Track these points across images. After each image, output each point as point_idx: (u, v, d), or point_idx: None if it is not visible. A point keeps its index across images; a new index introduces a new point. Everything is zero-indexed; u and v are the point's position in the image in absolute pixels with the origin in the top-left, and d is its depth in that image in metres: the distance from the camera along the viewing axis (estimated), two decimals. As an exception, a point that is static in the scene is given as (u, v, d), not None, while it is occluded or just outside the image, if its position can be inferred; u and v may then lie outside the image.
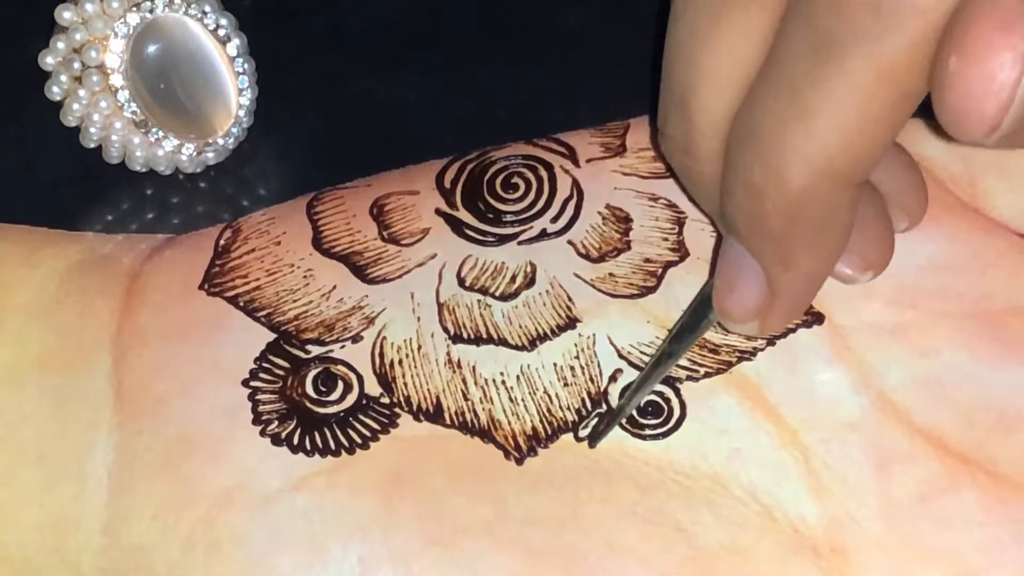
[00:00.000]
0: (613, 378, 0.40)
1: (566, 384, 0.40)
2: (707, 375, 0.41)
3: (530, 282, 0.42)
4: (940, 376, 0.40)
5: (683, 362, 0.41)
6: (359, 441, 0.39)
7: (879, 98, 0.32)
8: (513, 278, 0.42)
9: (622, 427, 0.40)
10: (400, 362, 0.41)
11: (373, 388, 0.40)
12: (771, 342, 0.41)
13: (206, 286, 0.42)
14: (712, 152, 0.37)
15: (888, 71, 0.32)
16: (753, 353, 0.41)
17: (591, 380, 0.40)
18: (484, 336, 0.41)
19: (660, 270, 0.42)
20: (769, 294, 0.37)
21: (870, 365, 0.41)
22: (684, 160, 0.38)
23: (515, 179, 0.44)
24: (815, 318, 0.41)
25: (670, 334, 0.41)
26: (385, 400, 0.40)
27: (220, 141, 0.46)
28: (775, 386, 0.40)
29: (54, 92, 0.45)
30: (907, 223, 0.42)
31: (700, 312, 0.40)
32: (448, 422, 0.40)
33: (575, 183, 0.44)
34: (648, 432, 0.40)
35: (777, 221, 0.35)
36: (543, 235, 0.43)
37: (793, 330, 0.41)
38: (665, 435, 0.40)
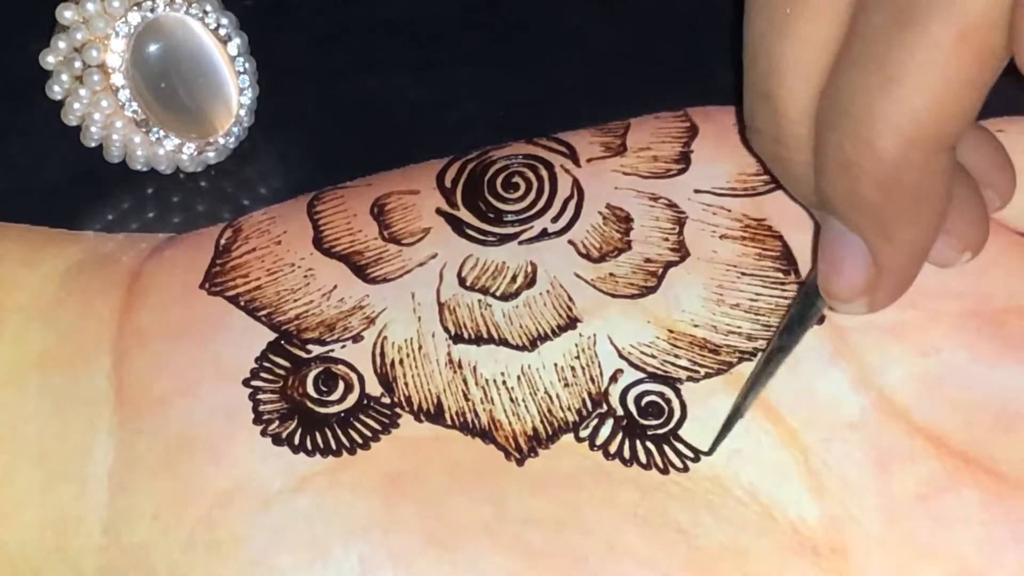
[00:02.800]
0: (614, 378, 0.40)
1: (567, 384, 0.40)
2: (707, 375, 0.41)
3: (531, 282, 0.42)
4: (940, 375, 0.40)
5: (683, 362, 0.41)
6: (360, 441, 0.39)
7: (962, 59, 0.33)
8: (514, 278, 0.42)
9: (623, 428, 0.40)
10: (401, 362, 0.41)
11: (374, 388, 0.40)
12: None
13: (207, 285, 0.42)
14: (802, 139, 0.37)
15: (969, 31, 0.32)
16: (753, 354, 0.41)
17: (592, 380, 0.40)
18: (485, 336, 0.41)
19: (660, 270, 0.42)
20: (875, 270, 0.37)
21: (870, 364, 0.41)
22: (776, 150, 0.39)
23: (516, 179, 0.44)
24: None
25: (778, 328, 0.41)
26: (386, 400, 0.40)
27: (221, 140, 0.46)
28: (775, 386, 0.40)
29: (55, 91, 0.45)
30: (999, 203, 0.42)
31: (807, 302, 0.40)
32: (449, 422, 0.40)
33: (576, 183, 0.44)
34: (648, 432, 0.40)
35: (874, 193, 0.35)
36: (544, 235, 0.43)
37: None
38: (665, 435, 0.40)
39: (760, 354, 0.41)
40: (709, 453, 0.40)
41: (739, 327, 0.41)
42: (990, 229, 0.43)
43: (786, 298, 0.42)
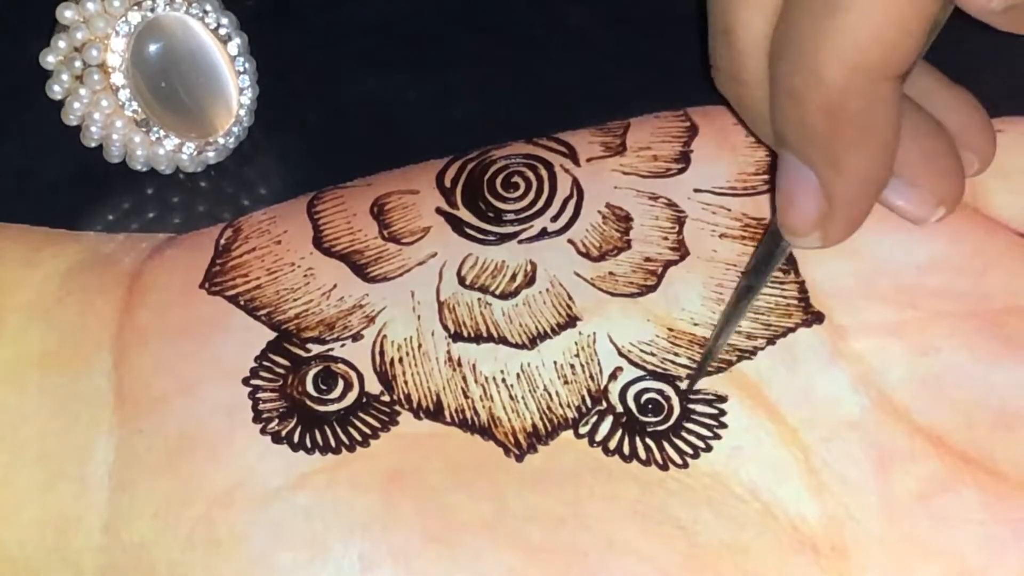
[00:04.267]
0: (613, 376, 0.40)
1: (566, 382, 0.40)
2: (707, 374, 0.41)
3: (530, 281, 0.42)
4: (940, 375, 0.40)
5: (683, 360, 0.41)
6: (359, 439, 0.39)
7: None
8: (513, 277, 0.42)
9: (622, 425, 0.40)
10: (400, 360, 0.41)
11: (373, 386, 0.40)
12: (771, 341, 0.41)
13: (207, 285, 0.42)
14: (759, 73, 0.38)
15: None
16: (753, 352, 0.41)
17: (591, 378, 0.40)
18: (484, 334, 0.41)
19: (660, 269, 0.42)
20: (826, 202, 0.38)
21: (870, 364, 0.41)
22: (735, 88, 0.40)
23: (515, 178, 0.44)
24: (815, 317, 0.41)
25: (746, 269, 0.42)
26: (385, 398, 0.40)
27: (221, 140, 0.46)
28: (775, 385, 0.40)
29: (55, 91, 0.45)
30: (977, 164, 0.43)
31: (772, 242, 0.41)
32: (448, 420, 0.40)
33: (575, 182, 0.44)
34: (648, 429, 0.40)
35: (821, 122, 0.36)
36: (543, 234, 0.43)
37: (793, 329, 0.41)
38: (664, 432, 0.40)
39: (730, 295, 0.42)
40: (687, 393, 0.40)
41: (739, 326, 0.41)
42: (990, 230, 0.43)
43: (786, 297, 0.42)
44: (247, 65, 0.46)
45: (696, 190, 0.44)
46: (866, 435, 0.40)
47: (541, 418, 0.40)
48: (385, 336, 0.41)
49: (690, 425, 0.40)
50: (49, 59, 0.45)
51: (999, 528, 0.38)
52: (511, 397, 0.40)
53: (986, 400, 0.40)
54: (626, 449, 0.39)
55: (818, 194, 0.38)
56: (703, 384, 0.40)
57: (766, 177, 0.44)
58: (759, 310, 0.42)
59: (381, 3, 0.52)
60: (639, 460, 0.39)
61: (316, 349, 0.41)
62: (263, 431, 0.39)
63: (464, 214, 0.44)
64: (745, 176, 0.44)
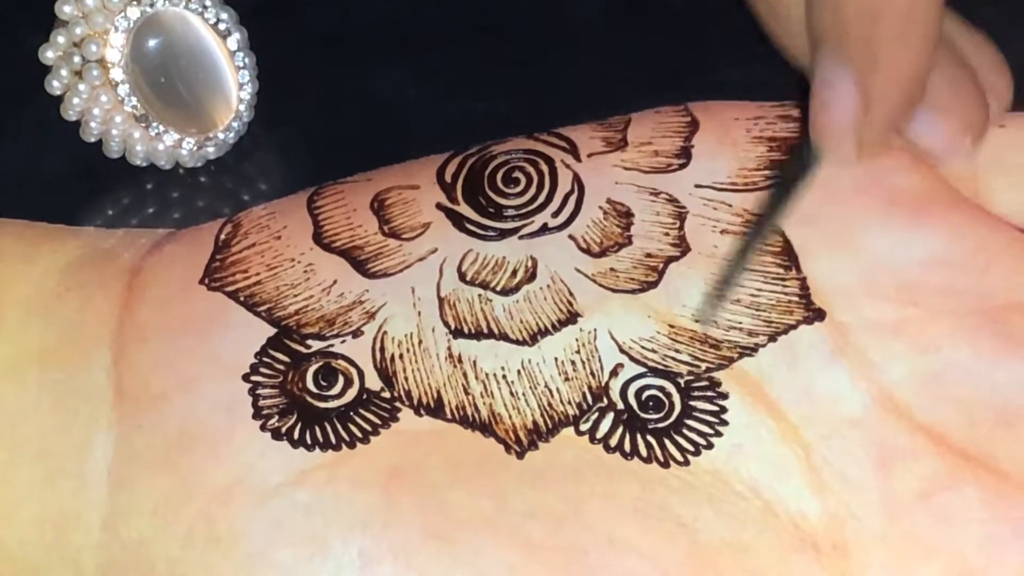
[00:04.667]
0: (614, 372, 0.40)
1: (567, 378, 0.40)
2: (708, 370, 0.41)
3: (531, 276, 0.42)
4: (941, 373, 0.40)
5: (684, 357, 0.41)
6: (359, 435, 0.39)
7: None
8: (514, 272, 0.42)
9: (623, 422, 0.40)
10: (401, 356, 0.41)
11: (374, 382, 0.40)
12: (772, 338, 0.41)
13: (206, 281, 0.42)
14: None
15: None
16: (754, 349, 0.41)
17: (592, 375, 0.40)
18: (485, 331, 0.41)
19: (661, 265, 0.42)
20: (862, 103, 0.38)
21: (871, 361, 0.40)
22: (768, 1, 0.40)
23: (516, 173, 0.44)
24: (816, 314, 0.41)
25: (773, 186, 0.42)
26: (386, 394, 0.40)
27: (220, 135, 0.46)
28: (776, 382, 0.40)
29: (54, 86, 0.45)
30: (994, 105, 0.43)
31: (801, 155, 0.41)
32: (449, 416, 0.40)
33: (576, 177, 0.44)
34: (649, 426, 0.40)
35: (861, 18, 0.36)
36: (544, 229, 0.43)
37: (794, 326, 0.41)
38: (666, 429, 0.40)
39: (755, 219, 0.42)
40: (702, 322, 0.41)
41: (740, 322, 0.41)
42: (992, 226, 0.43)
43: (787, 294, 0.42)
44: (247, 60, 0.46)
45: (697, 185, 0.44)
46: (867, 433, 0.39)
47: (542, 415, 0.40)
48: (385, 332, 0.41)
49: (691, 422, 0.40)
50: (48, 54, 0.45)
51: (1000, 526, 0.38)
52: (512, 394, 0.40)
53: (988, 398, 0.40)
54: (627, 446, 0.39)
55: (854, 96, 0.38)
56: (702, 384, 0.40)
57: (767, 173, 0.44)
58: (761, 306, 0.42)
59: (382, -1, 0.52)
60: (640, 457, 0.39)
61: (316, 345, 0.41)
62: (263, 427, 0.39)
63: (464, 209, 0.44)
64: (746, 172, 0.44)
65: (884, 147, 0.40)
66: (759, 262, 0.42)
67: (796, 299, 0.42)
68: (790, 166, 0.41)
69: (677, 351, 0.41)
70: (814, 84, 0.39)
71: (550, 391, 0.40)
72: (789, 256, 0.43)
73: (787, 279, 0.42)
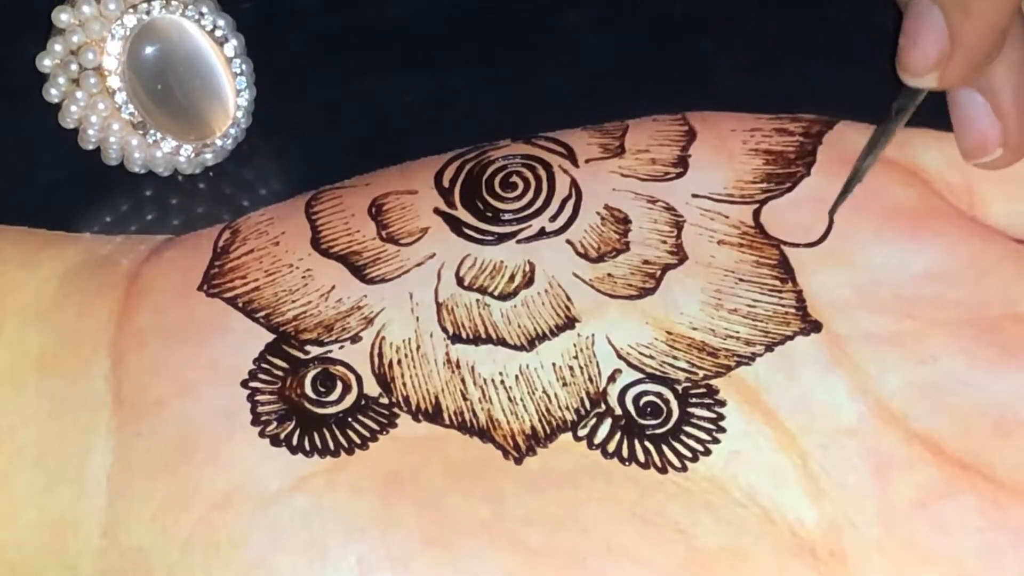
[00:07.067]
0: (612, 378, 0.40)
1: (565, 384, 0.40)
2: (705, 378, 0.41)
3: (529, 281, 0.42)
4: (938, 383, 0.40)
5: (682, 364, 0.41)
6: (358, 441, 0.39)
7: None
8: (512, 277, 0.42)
9: (621, 427, 0.40)
10: (399, 362, 0.41)
11: (372, 388, 0.40)
12: (770, 348, 0.41)
13: (205, 287, 0.42)
14: None
15: None
16: (752, 358, 0.41)
17: (590, 380, 0.40)
18: (483, 336, 0.41)
19: (659, 272, 0.42)
20: (949, 44, 0.41)
21: (868, 372, 0.41)
22: None
23: (513, 178, 0.44)
24: (813, 326, 0.41)
25: (896, 100, 0.44)
26: (384, 400, 0.40)
27: (218, 142, 0.46)
28: (774, 391, 0.40)
29: (52, 94, 0.45)
30: None
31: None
32: (447, 422, 0.40)
33: (574, 183, 0.44)
34: (647, 432, 0.40)
35: None
36: (542, 234, 0.43)
37: (791, 337, 0.41)
38: (664, 436, 0.40)
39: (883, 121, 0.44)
40: (831, 214, 0.43)
41: (737, 332, 0.41)
42: (987, 237, 0.43)
43: (784, 306, 0.42)
44: (244, 67, 0.46)
45: (694, 195, 0.44)
46: (864, 442, 0.39)
47: (540, 420, 0.40)
48: (383, 338, 0.41)
49: (689, 428, 0.40)
50: (45, 62, 0.45)
51: (997, 535, 0.38)
52: (510, 399, 0.40)
53: (984, 407, 0.40)
54: (625, 452, 0.39)
55: (942, 35, 0.41)
56: (700, 391, 0.41)
57: (763, 186, 0.44)
58: (758, 317, 0.42)
59: (379, 4, 0.52)
60: (638, 463, 0.39)
61: (315, 351, 0.41)
62: (262, 434, 0.39)
63: (462, 214, 0.44)
64: (742, 184, 0.44)
65: (964, 80, 0.42)
66: (756, 273, 0.42)
67: (793, 311, 0.42)
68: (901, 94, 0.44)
69: (675, 358, 0.41)
70: (906, 21, 0.41)
71: (548, 396, 0.40)
72: (786, 269, 0.43)
73: (783, 291, 0.42)
